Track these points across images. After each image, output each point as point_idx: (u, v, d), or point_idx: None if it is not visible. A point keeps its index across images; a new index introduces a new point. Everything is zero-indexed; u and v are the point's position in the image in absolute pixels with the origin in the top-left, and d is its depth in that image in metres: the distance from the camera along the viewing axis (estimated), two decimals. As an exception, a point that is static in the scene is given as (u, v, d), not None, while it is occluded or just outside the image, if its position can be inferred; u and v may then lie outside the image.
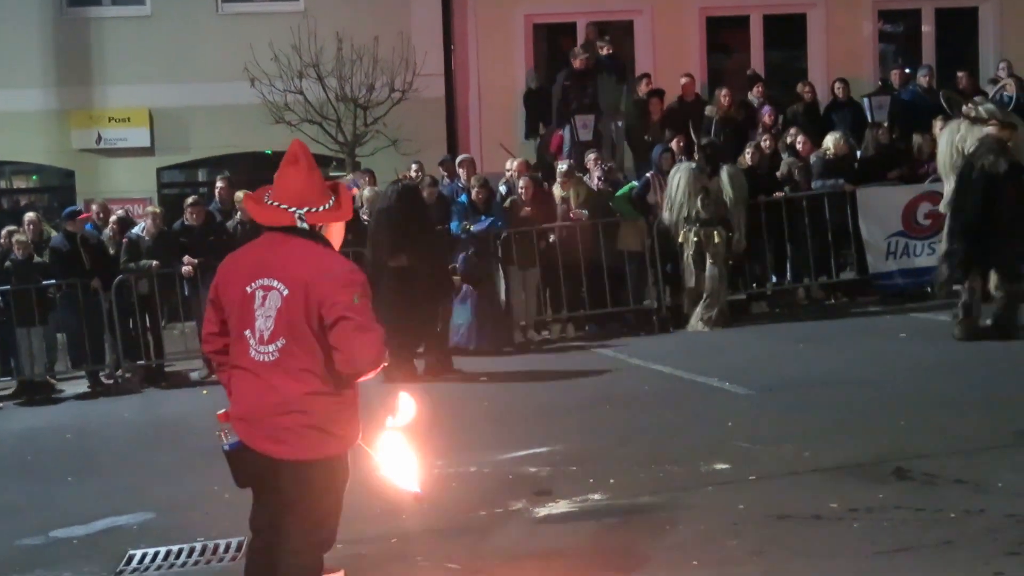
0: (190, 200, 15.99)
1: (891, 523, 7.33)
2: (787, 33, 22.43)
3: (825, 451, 9.19)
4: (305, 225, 5.50)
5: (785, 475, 8.68)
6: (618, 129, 19.83)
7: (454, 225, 15.41)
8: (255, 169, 19.53)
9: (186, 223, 15.68)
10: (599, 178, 16.48)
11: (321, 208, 5.54)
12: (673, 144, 17.02)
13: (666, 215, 15.56)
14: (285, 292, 5.44)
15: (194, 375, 15.35)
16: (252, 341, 5.51)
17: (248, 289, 5.52)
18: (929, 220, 16.31)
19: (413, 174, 16.48)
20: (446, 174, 17.38)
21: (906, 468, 8.42)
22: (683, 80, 19.73)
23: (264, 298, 5.48)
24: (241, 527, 8.58)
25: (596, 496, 8.55)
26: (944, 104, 16.31)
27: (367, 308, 5.44)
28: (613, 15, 22.03)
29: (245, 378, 5.56)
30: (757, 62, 21.95)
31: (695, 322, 15.41)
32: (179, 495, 9.66)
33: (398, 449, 5.87)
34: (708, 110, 18.87)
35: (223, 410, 5.66)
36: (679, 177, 15.41)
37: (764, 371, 12.59)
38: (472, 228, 15.26)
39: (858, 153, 17.39)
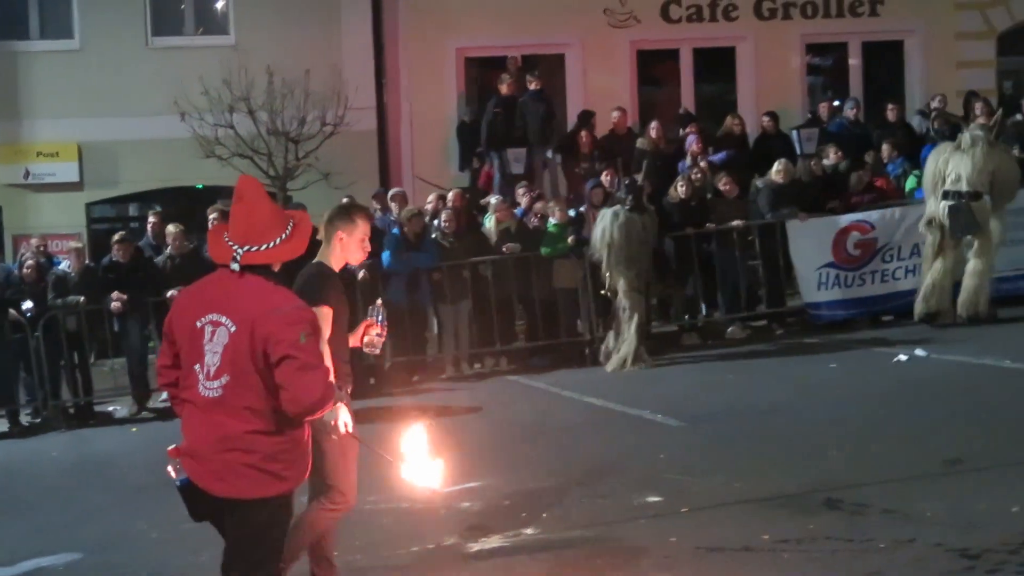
0: (117, 236, 15.82)
1: (821, 554, 7.37)
2: (717, 66, 22.62)
3: (756, 482, 9.22)
4: (235, 266, 5.43)
5: (716, 507, 8.70)
6: (550, 162, 19.91)
7: (385, 257, 15.36)
8: (186, 203, 19.40)
9: (113, 259, 15.51)
10: (534, 213, 16.53)
11: (263, 247, 5.45)
12: (603, 178, 17.08)
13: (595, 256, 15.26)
14: (232, 328, 5.39)
15: (118, 412, 15.18)
16: (200, 376, 5.46)
17: (198, 324, 5.48)
18: (859, 250, 16.47)
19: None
20: (379, 207, 17.34)
21: (836, 498, 8.47)
22: (614, 114, 19.85)
23: (213, 333, 5.43)
24: (169, 565, 8.54)
25: (529, 531, 8.53)
26: (935, 126, 16.67)
27: (314, 347, 5.41)
28: (544, 48, 22.11)
29: (193, 413, 5.52)
30: (687, 95, 22.12)
31: (618, 366, 14.92)
32: (106, 535, 9.55)
33: (418, 449, 6.21)
34: (639, 143, 18.98)
35: (174, 445, 5.58)
36: (602, 224, 15.06)
37: (696, 402, 12.63)
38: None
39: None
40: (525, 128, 19.64)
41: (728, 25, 22.39)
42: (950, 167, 15.37)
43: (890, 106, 19.87)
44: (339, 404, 6.18)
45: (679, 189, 16.52)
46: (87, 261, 15.94)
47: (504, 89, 19.96)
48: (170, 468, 5.54)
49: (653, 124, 19.22)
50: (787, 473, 9.42)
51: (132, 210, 22.12)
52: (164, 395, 15.44)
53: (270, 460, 5.44)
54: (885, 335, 15.59)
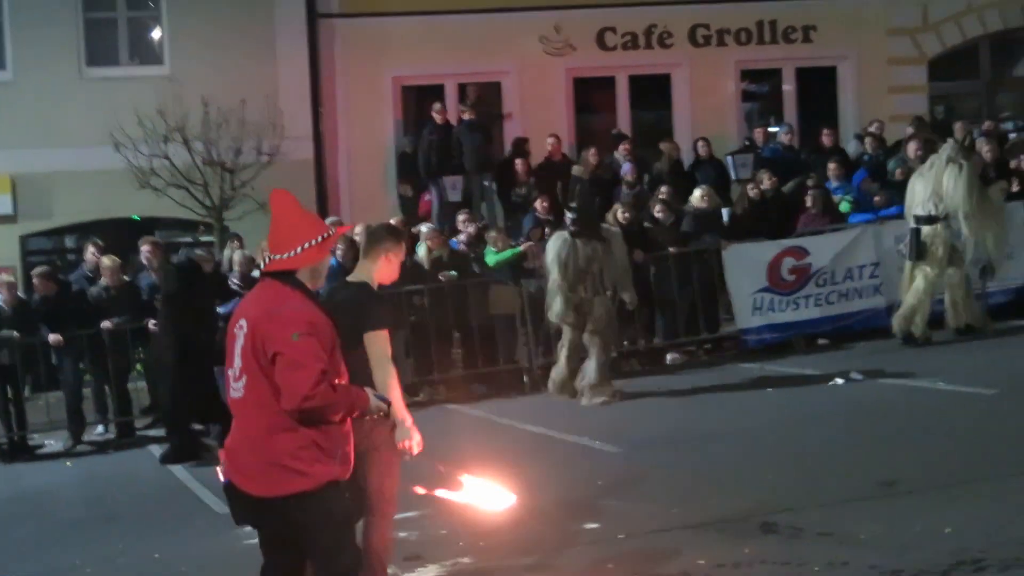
0: (37, 271, 15.70)
1: (757, 577, 7.40)
2: (653, 93, 22.76)
3: (693, 508, 9.25)
4: (255, 273, 5.72)
5: (654, 532, 8.72)
6: (487, 189, 19.95)
7: (323, 291, 15.27)
8: (122, 235, 19.24)
9: (36, 294, 15.35)
10: (464, 241, 16.56)
11: (284, 255, 5.74)
12: (538, 205, 17.13)
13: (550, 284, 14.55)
14: (246, 331, 5.70)
15: (51, 446, 15.01)
16: (231, 379, 5.77)
17: (234, 330, 5.79)
18: (793, 276, 16.61)
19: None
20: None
21: (772, 522, 8.51)
22: (550, 141, 19.93)
23: (237, 338, 5.74)
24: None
25: (466, 559, 8.52)
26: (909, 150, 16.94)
27: (307, 346, 5.55)
28: (480, 76, 22.16)
29: (232, 415, 5.81)
30: (624, 122, 22.22)
31: (589, 400, 14.33)
32: (41, 570, 9.47)
33: (478, 483, 6.45)
34: (575, 170, 19.01)
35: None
36: (553, 249, 14.48)
37: (634, 429, 12.66)
38: (220, 310, 14.47)
39: (724, 211, 17.68)
40: (461, 155, 19.69)
41: (663, 52, 22.54)
42: (916, 192, 15.67)
43: (825, 131, 20.07)
44: (411, 426, 6.74)
45: (619, 215, 16.52)
46: (20, 294, 15.76)
47: (438, 118, 20.01)
48: (218, 469, 5.79)
49: (591, 150, 19.32)
50: (724, 498, 9.46)
51: (68, 242, 21.95)
52: (100, 428, 15.41)
53: (287, 456, 5.59)
54: (821, 359, 15.71)
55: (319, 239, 5.78)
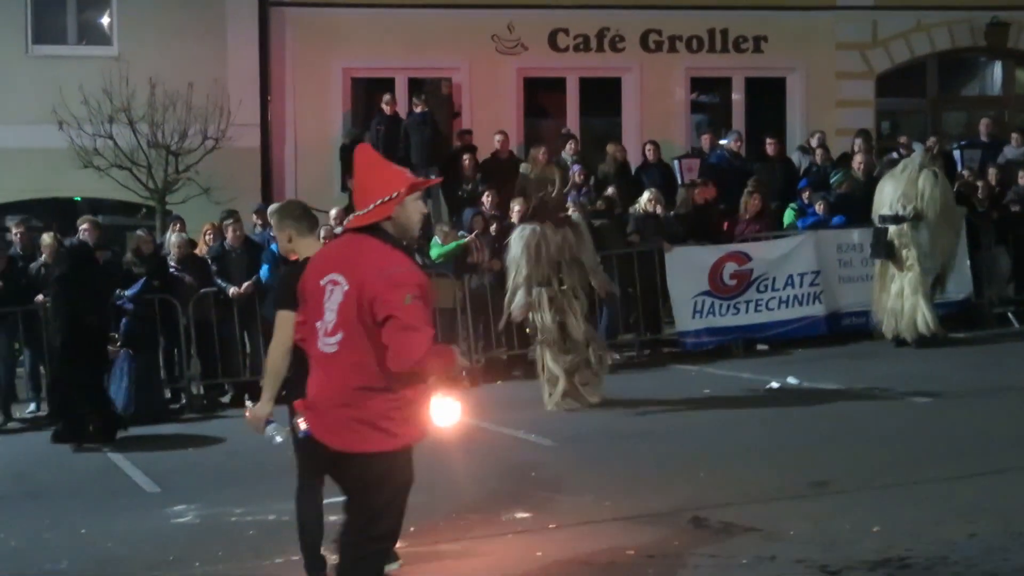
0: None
1: (684, 569, 7.42)
2: (603, 97, 22.80)
3: (625, 501, 9.27)
4: (338, 229, 5.68)
5: (584, 524, 8.71)
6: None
7: (263, 272, 15.21)
8: (63, 214, 19.06)
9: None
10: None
11: (364, 210, 5.78)
12: (485, 199, 17.11)
13: (509, 281, 13.79)
14: (346, 288, 5.66)
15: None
16: (320, 332, 5.75)
17: (321, 283, 5.77)
18: (735, 280, 16.69)
19: (228, 221, 16.21)
20: (260, 222, 17.19)
21: (702, 517, 8.53)
22: (497, 137, 19.92)
23: (331, 292, 5.72)
24: (28, 573, 8.36)
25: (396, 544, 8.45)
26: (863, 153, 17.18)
27: (418, 309, 5.59)
28: (431, 71, 22.15)
29: (314, 368, 5.83)
30: (573, 123, 22.23)
31: (590, 396, 13.57)
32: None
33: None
34: (523, 167, 18.99)
35: (302, 399, 5.88)
36: (520, 240, 13.66)
37: (568, 423, 12.65)
38: (127, 292, 14.63)
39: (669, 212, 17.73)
40: (408, 149, 19.64)
41: (615, 56, 22.59)
42: (884, 193, 15.86)
43: (769, 140, 20.16)
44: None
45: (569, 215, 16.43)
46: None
47: (387, 109, 20.01)
48: (299, 421, 5.85)
49: (541, 148, 19.28)
50: (656, 493, 9.50)
51: (9, 221, 21.66)
52: (32, 406, 15.22)
53: (380, 417, 5.64)
54: (758, 364, 15.78)
55: (392, 195, 5.76)
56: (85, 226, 15.23)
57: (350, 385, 5.67)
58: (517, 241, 13.66)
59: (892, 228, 15.81)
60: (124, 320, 14.65)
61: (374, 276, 5.61)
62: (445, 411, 6.00)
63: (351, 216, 5.86)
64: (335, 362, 5.71)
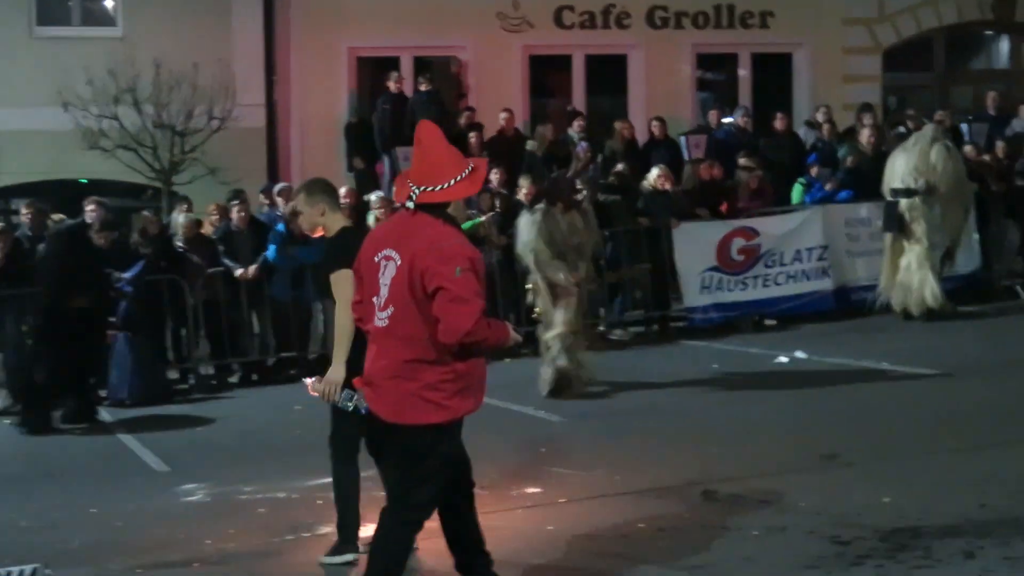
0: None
1: (696, 541, 7.41)
2: (609, 74, 22.73)
3: (635, 476, 9.26)
4: (410, 204, 5.85)
5: (595, 498, 8.72)
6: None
7: (270, 252, 15.20)
8: (69, 196, 19.03)
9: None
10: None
11: (439, 187, 5.83)
12: (493, 177, 17.06)
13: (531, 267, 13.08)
14: (398, 262, 5.80)
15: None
16: (376, 307, 5.90)
17: (376, 259, 5.92)
18: (742, 256, 16.65)
19: (235, 202, 16.19)
20: (267, 202, 17.18)
21: (713, 490, 8.52)
22: (503, 115, 19.87)
23: (385, 268, 5.86)
24: (39, 552, 8.35)
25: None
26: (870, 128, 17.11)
27: (469, 281, 5.72)
28: (437, 50, 22.11)
29: (371, 343, 5.99)
30: (579, 102, 22.19)
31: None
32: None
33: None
34: (530, 145, 19.02)
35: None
36: (532, 224, 12.96)
37: (578, 400, 12.63)
38: (125, 275, 14.46)
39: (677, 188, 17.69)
40: (415, 128, 19.57)
41: (620, 33, 22.50)
42: (896, 166, 15.80)
43: (779, 115, 20.09)
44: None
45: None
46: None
47: (393, 87, 19.97)
48: (356, 397, 6.06)
49: (548, 126, 19.31)
50: (666, 467, 9.49)
51: (15, 203, 21.66)
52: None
53: (431, 389, 5.78)
54: (767, 339, 15.76)
55: (468, 171, 5.92)
56: (91, 207, 15.20)
57: (402, 358, 5.79)
58: (529, 226, 12.95)
59: (903, 201, 15.75)
60: (123, 304, 14.54)
61: (425, 249, 5.73)
62: (348, 399, 6.20)
63: (419, 190, 5.83)
64: (388, 336, 5.84)
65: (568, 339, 12.85)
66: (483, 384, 6.03)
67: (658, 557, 7.18)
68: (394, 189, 6.21)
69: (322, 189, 7.68)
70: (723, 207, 17.41)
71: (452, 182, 5.85)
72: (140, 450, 11.77)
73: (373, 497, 7.21)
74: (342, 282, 7.00)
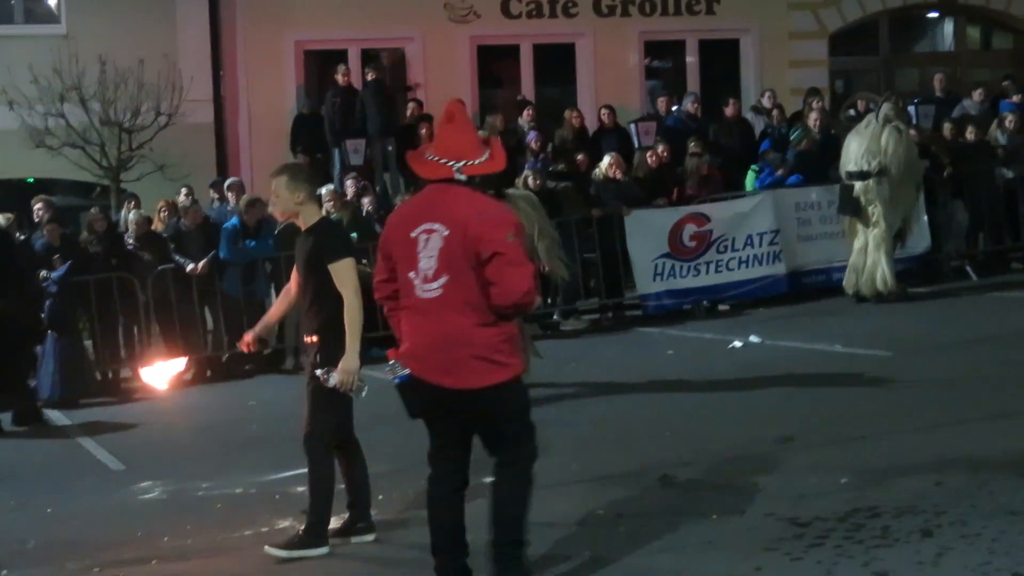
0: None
1: (655, 526, 7.41)
2: (557, 63, 22.74)
3: (593, 462, 9.27)
4: (463, 177, 6.05)
5: (553, 486, 8.59)
6: (389, 153, 19.82)
7: (222, 251, 15.13)
8: (16, 195, 18.84)
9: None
10: (368, 202, 16.42)
11: (476, 161, 6.09)
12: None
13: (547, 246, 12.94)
14: (446, 232, 5.98)
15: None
16: (416, 281, 6.05)
17: (412, 234, 6.07)
18: (694, 242, 16.71)
19: (182, 198, 16.11)
20: (217, 197, 17.09)
21: (670, 475, 8.53)
22: (453, 105, 19.78)
23: (427, 241, 6.02)
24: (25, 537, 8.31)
25: (373, 514, 8.43)
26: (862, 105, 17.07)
27: (520, 246, 6.05)
28: (384, 42, 22.05)
29: (413, 317, 6.12)
30: (528, 91, 22.19)
31: None
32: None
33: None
34: (480, 135, 18.91)
35: (393, 348, 6.21)
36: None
37: (534, 388, 12.57)
38: (53, 275, 14.38)
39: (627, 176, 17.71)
40: (364, 119, 19.55)
41: (568, 21, 22.54)
42: (850, 149, 15.88)
43: (731, 101, 20.16)
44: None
45: (529, 182, 16.36)
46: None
47: (342, 80, 19.92)
48: (388, 368, 6.14)
49: (498, 116, 19.27)
50: (623, 454, 9.50)
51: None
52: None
53: (492, 350, 6.03)
54: (721, 324, 15.83)
55: (490, 150, 6.20)
56: (39, 206, 15.09)
57: (462, 324, 5.99)
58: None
59: (858, 184, 15.82)
60: (48, 302, 14.31)
61: (475, 217, 5.97)
62: (160, 374, 6.37)
63: (460, 164, 6.03)
64: (442, 305, 6.01)
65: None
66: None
67: (618, 543, 7.17)
68: (415, 166, 6.28)
69: (306, 177, 7.65)
70: (674, 194, 17.47)
71: (486, 156, 6.11)
72: (95, 449, 11.71)
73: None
74: (350, 270, 7.20)
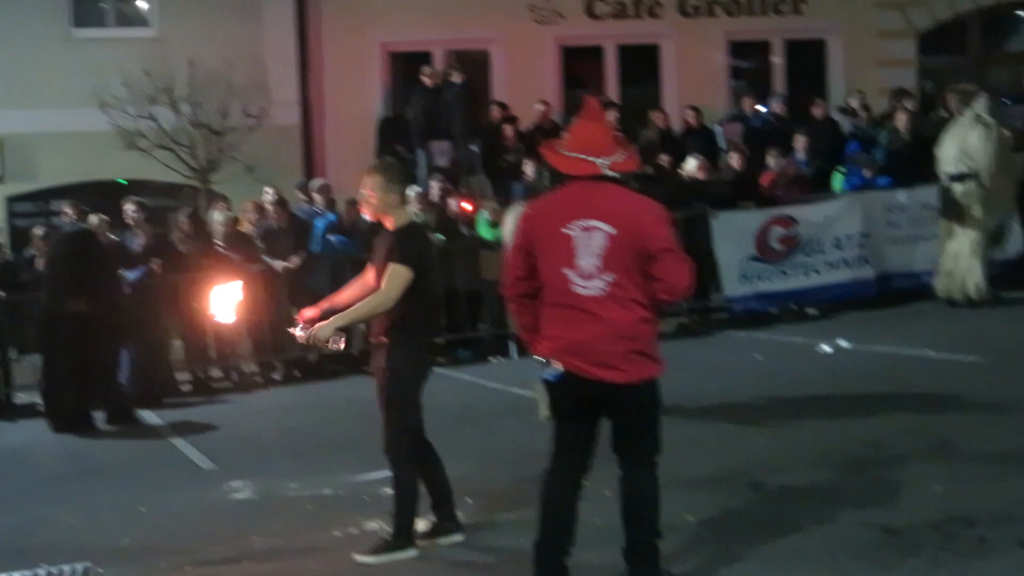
0: (40, 232, 15.60)
1: (745, 533, 7.37)
2: (641, 64, 22.67)
3: (680, 466, 9.10)
4: (611, 173, 6.11)
5: (642, 490, 8.65)
6: (475, 155, 19.86)
7: (313, 244, 15.30)
8: (106, 198, 19.13)
9: (36, 254, 15.21)
10: (454, 203, 16.47)
11: (622, 157, 6.19)
12: (528, 169, 17.04)
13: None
14: (612, 231, 6.00)
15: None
16: (574, 278, 6.05)
17: (565, 231, 6.06)
18: (782, 245, 16.58)
19: (269, 198, 16.23)
20: (304, 198, 17.22)
21: (759, 481, 8.49)
22: (539, 107, 19.85)
23: (587, 238, 6.02)
24: (89, 550, 8.40)
25: (460, 515, 8.44)
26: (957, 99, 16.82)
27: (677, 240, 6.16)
28: (468, 43, 22.08)
29: (567, 313, 6.11)
30: (612, 92, 22.14)
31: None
32: (24, 522, 9.40)
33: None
34: (564, 136, 18.91)
35: (540, 346, 6.23)
36: (510, 220, 12.08)
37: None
38: (129, 276, 14.55)
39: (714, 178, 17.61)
40: (450, 121, 19.61)
41: (652, 22, 22.48)
42: (945, 151, 15.67)
43: (817, 101, 19.99)
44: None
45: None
46: (7, 255, 15.71)
47: (427, 81, 19.98)
48: (544, 368, 6.17)
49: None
50: (711, 458, 9.44)
51: (53, 204, 21.77)
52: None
53: (649, 345, 6.16)
54: (808, 328, 15.70)
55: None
56: (132, 207, 15.29)
57: (626, 319, 6.04)
58: (508, 218, 12.11)
59: (957, 187, 15.57)
60: None
61: (640, 215, 6.06)
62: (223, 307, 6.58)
63: (608, 160, 6.09)
64: (607, 301, 6.03)
65: None
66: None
67: (706, 549, 7.14)
68: (554, 161, 6.27)
69: (400, 179, 7.60)
70: (761, 196, 17.33)
71: (624, 154, 6.19)
72: (186, 448, 11.82)
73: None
74: (402, 280, 7.17)
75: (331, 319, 7.33)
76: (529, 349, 6.42)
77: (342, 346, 7.28)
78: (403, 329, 7.33)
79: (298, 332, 7.44)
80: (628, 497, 6.40)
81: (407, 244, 7.36)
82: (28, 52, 20.35)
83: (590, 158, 6.10)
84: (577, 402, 6.22)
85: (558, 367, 6.11)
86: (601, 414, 6.30)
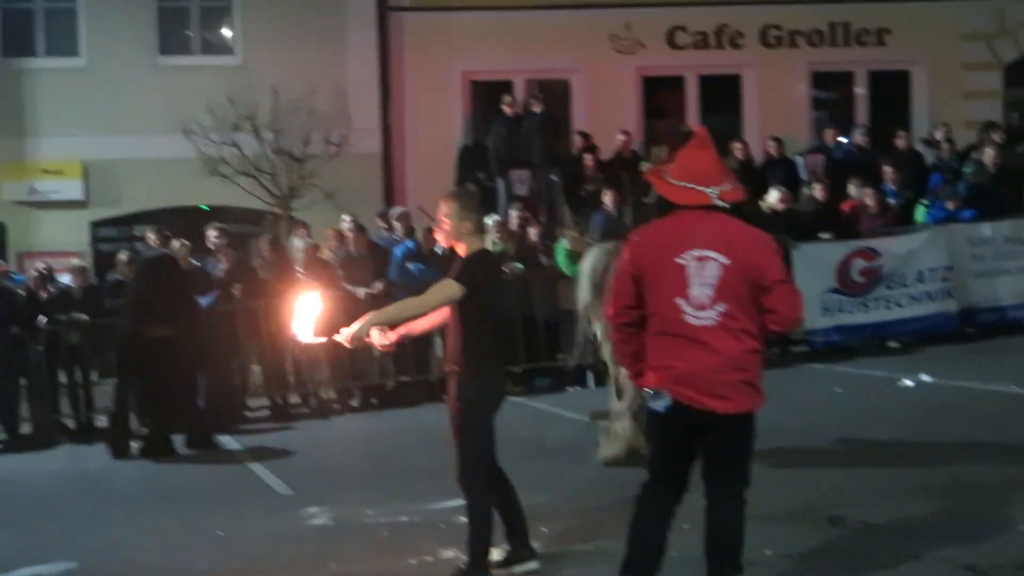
0: (124, 256, 15.79)
1: (824, 568, 7.27)
2: (722, 94, 22.60)
3: (760, 500, 8.96)
4: (721, 203, 6.12)
5: (719, 523, 8.56)
6: (555, 184, 19.86)
7: (392, 271, 15.36)
8: (189, 224, 19.35)
9: (120, 279, 15.39)
10: (534, 232, 16.46)
11: (731, 187, 6.21)
12: (607, 199, 17.00)
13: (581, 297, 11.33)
14: (726, 262, 6.02)
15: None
16: (687, 308, 6.06)
17: (678, 260, 6.07)
18: (863, 277, 16.41)
19: (347, 225, 16.32)
20: (384, 226, 17.31)
21: (840, 516, 8.39)
22: (620, 137, 19.84)
23: (700, 268, 6.04)
24: (166, 573, 8.45)
25: (535, 544, 8.40)
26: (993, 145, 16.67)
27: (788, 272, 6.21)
28: (549, 72, 22.15)
29: (677, 343, 6.09)
30: (693, 122, 22.02)
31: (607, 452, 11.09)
32: (102, 544, 9.47)
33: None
34: (644, 166, 18.88)
35: (648, 376, 6.21)
36: (589, 261, 11.30)
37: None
38: (203, 302, 14.56)
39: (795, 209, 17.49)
40: (530, 150, 19.64)
41: (733, 53, 22.44)
42: None
43: (900, 133, 19.82)
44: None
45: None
46: (91, 279, 15.94)
47: (508, 110, 20.03)
48: (652, 399, 6.17)
49: (663, 147, 19.16)
50: (791, 491, 9.32)
51: (136, 229, 22.07)
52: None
53: (757, 376, 6.17)
54: (889, 362, 15.52)
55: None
56: (214, 233, 15.44)
57: (739, 350, 6.04)
58: (585, 260, 11.48)
59: None
60: None
61: (754, 246, 6.09)
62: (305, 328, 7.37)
63: (718, 189, 6.12)
64: (717, 332, 6.03)
65: (635, 404, 10.54)
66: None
67: (787, 584, 7.06)
68: (664, 191, 6.27)
69: (476, 207, 7.51)
70: (843, 227, 17.17)
71: (733, 183, 6.22)
72: (263, 473, 11.88)
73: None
74: (446, 293, 7.18)
75: (366, 316, 7.32)
76: (632, 379, 6.44)
77: (388, 340, 7.32)
78: (474, 357, 7.30)
79: (342, 333, 7.39)
80: (713, 528, 6.35)
81: (468, 266, 7.31)
82: (115, 79, 20.73)
83: (700, 188, 6.11)
84: (681, 432, 6.20)
85: (667, 397, 6.10)
86: (699, 444, 6.27)
